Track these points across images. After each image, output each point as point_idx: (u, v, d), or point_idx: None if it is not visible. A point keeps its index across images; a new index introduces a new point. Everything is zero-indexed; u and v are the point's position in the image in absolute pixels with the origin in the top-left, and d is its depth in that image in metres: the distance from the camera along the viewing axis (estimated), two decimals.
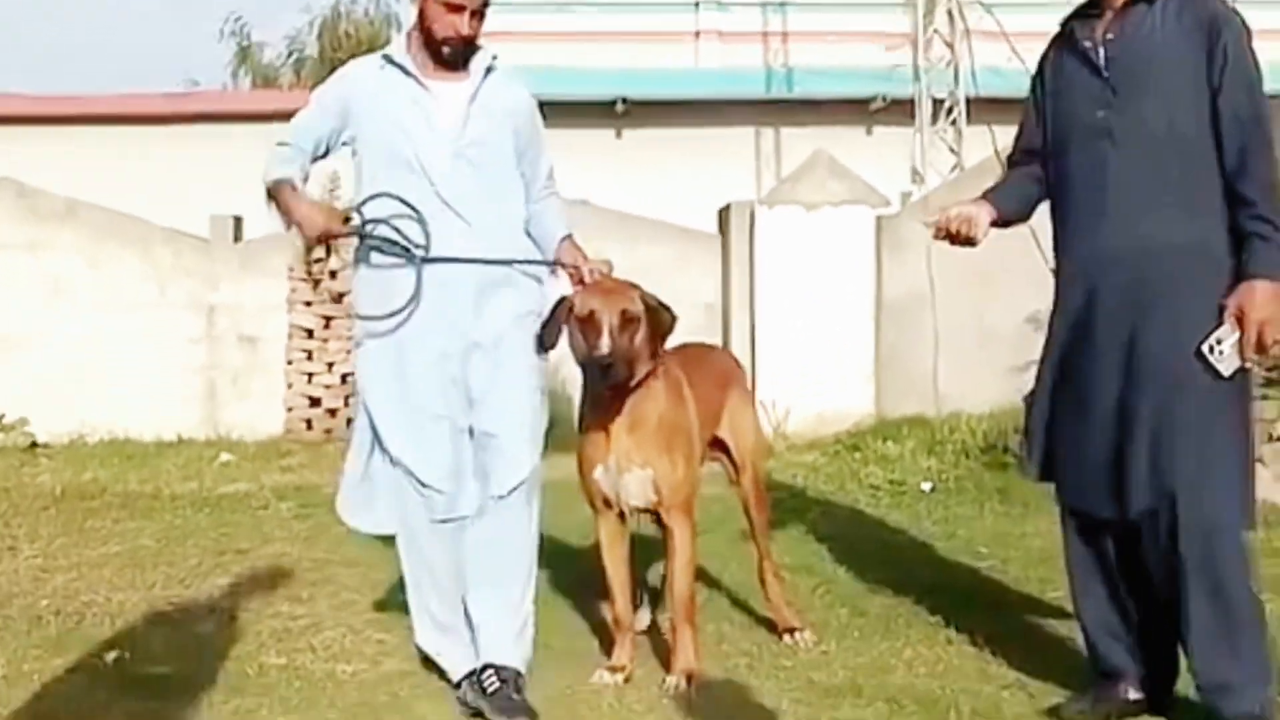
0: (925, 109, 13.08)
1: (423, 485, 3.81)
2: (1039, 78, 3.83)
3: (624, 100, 15.97)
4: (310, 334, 10.21)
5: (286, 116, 3.98)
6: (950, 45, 13.16)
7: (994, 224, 3.82)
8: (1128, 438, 3.42)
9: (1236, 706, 3.35)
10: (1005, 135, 10.06)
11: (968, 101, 13.08)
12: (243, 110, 15.31)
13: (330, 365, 10.13)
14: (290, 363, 10.25)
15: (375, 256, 3.84)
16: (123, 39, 41.68)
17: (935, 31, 13.07)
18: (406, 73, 3.84)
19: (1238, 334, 3.33)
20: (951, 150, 13.11)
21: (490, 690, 3.73)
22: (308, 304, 10.18)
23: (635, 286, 3.91)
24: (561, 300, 3.87)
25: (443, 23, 3.76)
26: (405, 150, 3.79)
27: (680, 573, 4.03)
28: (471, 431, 3.83)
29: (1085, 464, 3.54)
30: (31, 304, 10.26)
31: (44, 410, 9.70)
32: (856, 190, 10.11)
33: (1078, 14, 3.72)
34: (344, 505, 4.03)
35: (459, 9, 3.75)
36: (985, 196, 3.87)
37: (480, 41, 3.88)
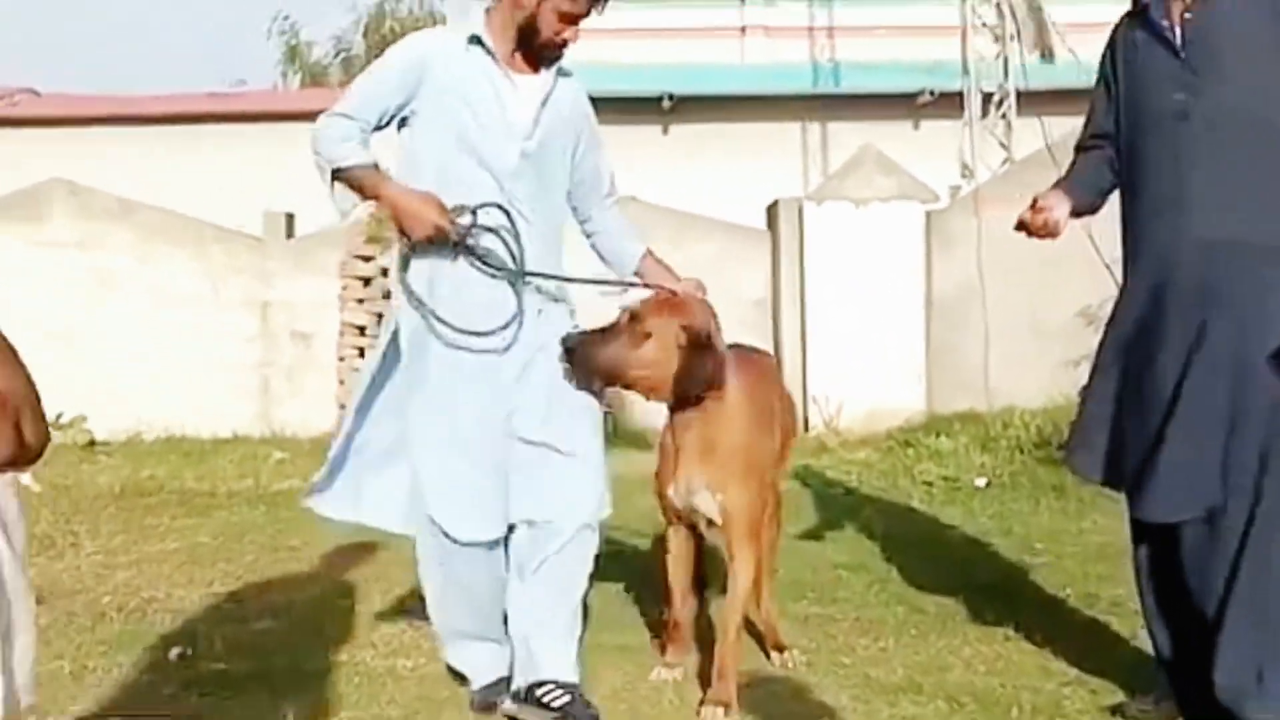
0: (974, 102, 12.99)
1: (464, 509, 3.60)
2: (1109, 57, 3.64)
3: (670, 96, 15.96)
4: (362, 331, 10.26)
5: None
6: (998, 38, 13.05)
7: (1070, 214, 3.68)
8: (1196, 436, 3.30)
9: (1259, 712, 3.21)
10: (1055, 127, 10.02)
11: (1017, 94, 12.98)
12: (293, 109, 15.42)
13: None
14: (342, 359, 10.32)
15: (466, 265, 3.57)
16: (172, 39, 42.09)
17: (983, 24, 12.96)
18: (492, 56, 3.61)
19: None
20: (1001, 144, 13.02)
21: (556, 703, 3.54)
22: (360, 301, 10.24)
23: (693, 314, 3.72)
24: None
25: (547, 24, 3.57)
26: (475, 138, 3.56)
27: (733, 604, 3.82)
28: (520, 442, 3.61)
29: (1151, 464, 3.40)
30: (83, 302, 10.38)
31: (102, 408, 9.81)
32: (905, 186, 10.08)
33: None
34: (321, 495, 3.87)
35: (567, 18, 3.58)
36: (1060, 185, 3.71)
37: None
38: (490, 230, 3.55)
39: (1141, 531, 3.57)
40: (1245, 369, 3.26)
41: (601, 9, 3.64)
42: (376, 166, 3.58)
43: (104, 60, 39.82)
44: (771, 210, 10.57)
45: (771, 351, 9.88)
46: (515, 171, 3.58)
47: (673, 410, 3.85)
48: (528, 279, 3.60)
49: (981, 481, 7.56)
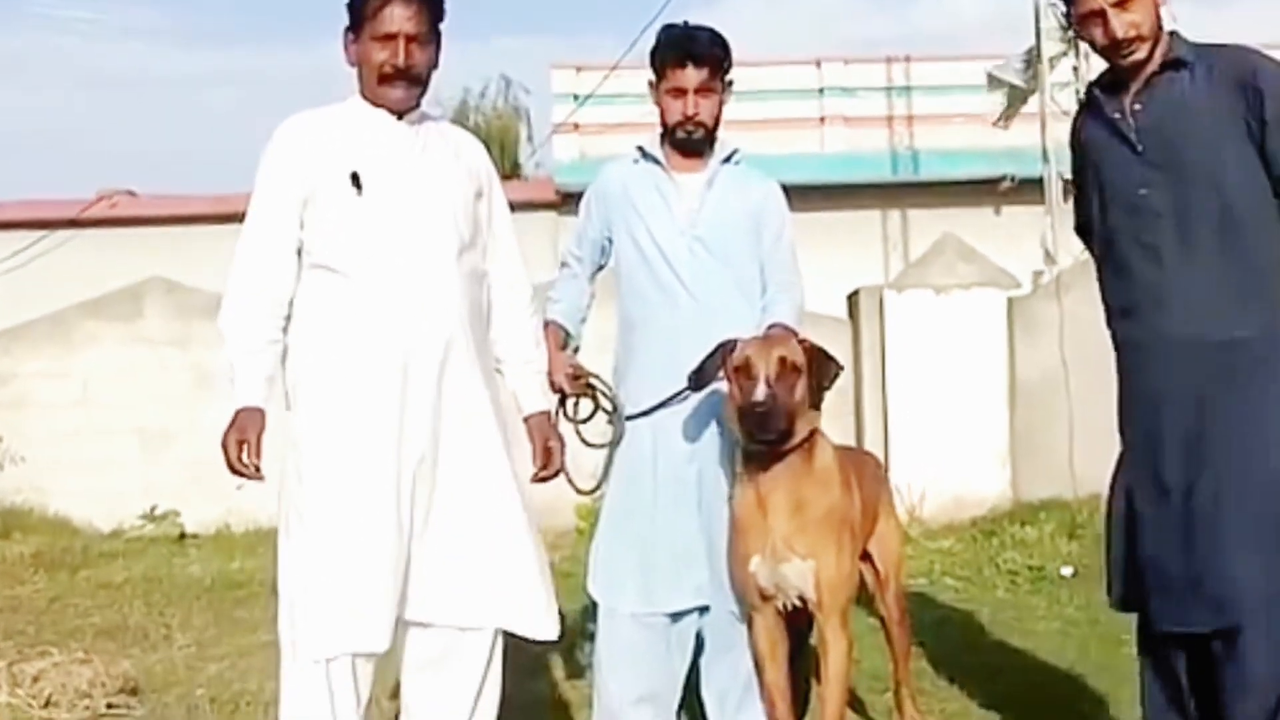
0: (1055, 188, 12.95)
1: None
2: (1075, 150, 3.49)
3: None
4: None
5: None
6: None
7: None
8: (1206, 544, 3.10)
9: None
10: None
11: None
12: None
13: None
14: None
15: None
16: (263, 138, 43.19)
17: (1063, 112, 12.95)
18: (656, 162, 4.03)
19: None
20: None
21: None
22: None
23: (794, 333, 3.76)
24: (721, 345, 3.67)
25: (671, 110, 3.95)
26: (644, 238, 3.96)
27: (833, 689, 3.61)
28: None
29: (1165, 576, 3.19)
30: (179, 397, 10.56)
31: (193, 500, 9.99)
32: (986, 272, 10.07)
33: (1101, 82, 3.35)
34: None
35: (681, 92, 3.91)
36: None
37: (722, 133, 4.11)
38: (593, 388, 4.02)
39: (1153, 661, 3.40)
40: (1247, 474, 3.09)
41: (707, 74, 3.93)
42: (556, 328, 4.06)
43: (199, 162, 40.94)
44: (852, 299, 10.60)
45: (854, 439, 9.88)
46: (687, 259, 3.96)
47: (757, 463, 3.62)
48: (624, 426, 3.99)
49: (1068, 570, 7.46)
